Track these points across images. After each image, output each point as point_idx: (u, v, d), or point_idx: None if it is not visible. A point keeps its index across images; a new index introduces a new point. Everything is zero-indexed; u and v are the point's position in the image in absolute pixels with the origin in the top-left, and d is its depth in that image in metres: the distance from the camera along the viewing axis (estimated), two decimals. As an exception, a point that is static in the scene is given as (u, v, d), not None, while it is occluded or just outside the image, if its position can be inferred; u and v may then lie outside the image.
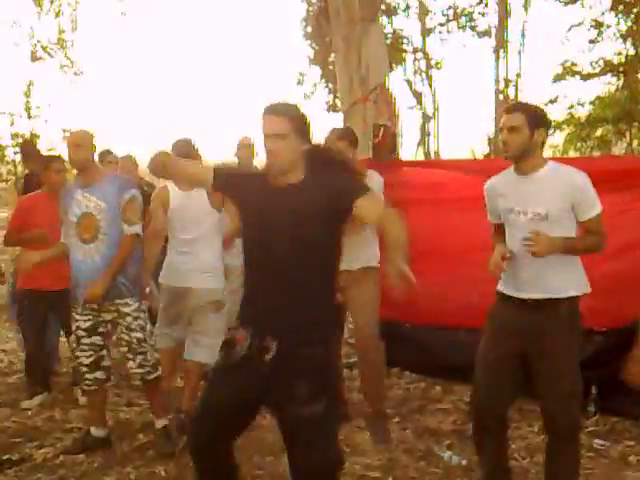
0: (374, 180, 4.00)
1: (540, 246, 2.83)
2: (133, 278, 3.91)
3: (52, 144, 12.33)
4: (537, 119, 2.99)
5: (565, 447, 3.02)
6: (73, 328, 3.97)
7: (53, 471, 3.76)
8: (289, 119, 2.50)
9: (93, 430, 4.06)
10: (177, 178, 3.20)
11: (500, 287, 3.12)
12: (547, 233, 2.86)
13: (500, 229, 3.19)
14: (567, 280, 2.98)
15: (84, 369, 3.95)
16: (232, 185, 2.71)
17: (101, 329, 3.93)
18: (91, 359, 3.92)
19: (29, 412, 4.64)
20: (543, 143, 3.09)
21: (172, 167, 2.77)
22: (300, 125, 2.54)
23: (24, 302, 4.93)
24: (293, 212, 2.48)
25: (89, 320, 3.89)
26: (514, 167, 3.06)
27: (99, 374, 3.95)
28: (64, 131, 12.42)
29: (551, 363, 2.96)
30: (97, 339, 3.92)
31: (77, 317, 3.91)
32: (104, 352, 3.96)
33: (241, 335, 2.57)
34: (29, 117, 12.37)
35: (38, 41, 12.44)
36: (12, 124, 12.15)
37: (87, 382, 3.98)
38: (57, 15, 12.63)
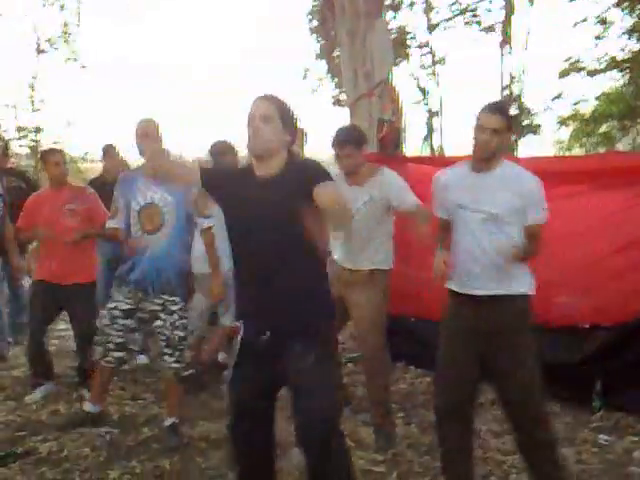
0: (395, 177, 3.93)
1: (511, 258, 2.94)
2: (182, 275, 3.95)
3: (57, 137, 12.33)
4: (510, 122, 3.04)
5: (533, 439, 3.00)
6: (111, 306, 4.00)
7: (57, 465, 3.76)
8: (277, 106, 2.62)
9: (86, 405, 4.18)
10: (166, 178, 3.25)
11: (451, 285, 3.14)
12: (496, 235, 2.94)
13: (447, 226, 3.18)
14: (517, 278, 2.99)
15: (111, 346, 4.00)
16: (218, 182, 2.77)
17: (139, 314, 3.97)
18: (121, 340, 3.99)
19: (34, 406, 4.65)
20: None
21: (160, 168, 2.86)
22: (286, 115, 2.64)
23: (34, 291, 4.95)
24: (273, 202, 2.53)
25: (130, 304, 3.95)
26: (472, 164, 3.05)
27: (123, 355, 4.04)
28: (69, 124, 12.43)
29: (507, 358, 2.97)
30: (132, 323, 3.98)
31: (119, 297, 3.97)
32: (134, 335, 4.02)
33: (236, 328, 2.71)
34: (33, 110, 12.38)
35: (43, 34, 12.45)
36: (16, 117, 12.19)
37: (108, 359, 4.04)
38: (62, 8, 12.63)
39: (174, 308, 3.90)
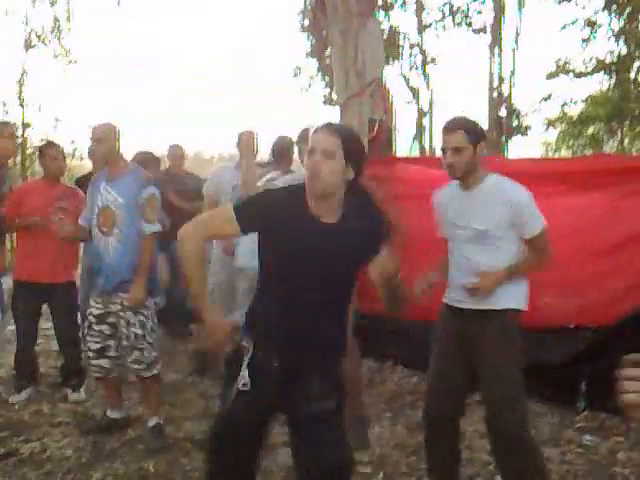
0: None
1: (483, 290, 2.93)
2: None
3: (45, 133, 12.25)
4: (477, 134, 2.96)
5: (510, 451, 2.94)
6: (87, 313, 4.02)
7: (40, 466, 3.73)
8: (341, 140, 2.32)
9: (109, 412, 4.18)
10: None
11: (444, 298, 3.17)
12: (487, 252, 2.93)
13: (446, 245, 3.20)
14: (505, 293, 2.96)
15: (90, 354, 4.01)
16: (262, 222, 2.43)
17: (110, 319, 3.94)
18: (98, 346, 3.96)
19: (16, 406, 4.61)
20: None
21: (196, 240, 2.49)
22: (352, 150, 2.35)
23: (17, 293, 4.88)
24: (330, 252, 2.37)
25: (100, 309, 3.94)
26: (459, 181, 3.04)
27: (104, 362, 3.99)
28: (57, 120, 12.36)
29: (489, 370, 2.97)
30: (105, 328, 3.94)
31: (92, 303, 3.99)
32: (110, 342, 3.97)
33: (243, 346, 2.51)
34: (22, 106, 12.29)
35: (32, 29, 12.32)
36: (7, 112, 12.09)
37: (93, 368, 4.06)
38: (52, 4, 12.53)
39: (129, 305, 3.87)
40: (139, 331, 3.89)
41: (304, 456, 2.48)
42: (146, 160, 4.71)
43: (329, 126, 2.36)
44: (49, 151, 4.82)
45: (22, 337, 4.89)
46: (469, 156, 2.90)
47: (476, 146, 2.93)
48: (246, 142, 5.57)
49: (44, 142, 5.72)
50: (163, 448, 3.88)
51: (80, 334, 4.84)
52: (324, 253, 2.37)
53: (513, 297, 2.99)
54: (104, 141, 3.89)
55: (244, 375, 2.46)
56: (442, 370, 3.11)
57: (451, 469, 3.22)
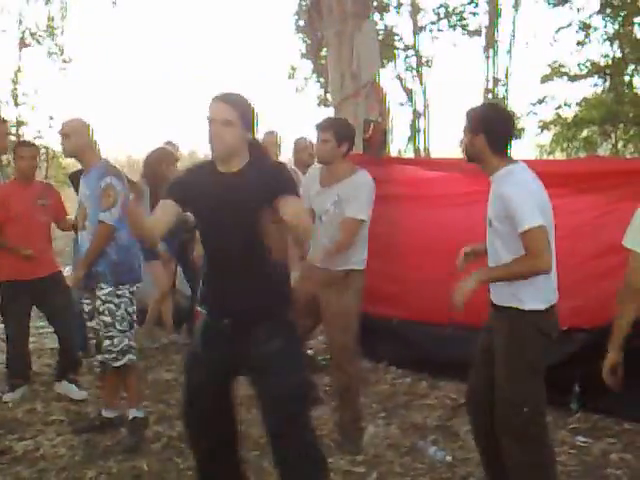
0: (363, 183, 3.84)
1: (458, 295, 2.84)
2: (113, 265, 3.86)
3: (37, 132, 12.23)
4: (479, 122, 2.92)
5: (512, 450, 2.94)
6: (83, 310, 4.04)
7: (33, 464, 3.71)
8: (235, 107, 2.59)
9: (104, 411, 4.16)
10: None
11: None
12: (503, 244, 2.88)
13: None
14: (513, 291, 2.92)
15: (94, 350, 4.03)
16: (182, 190, 2.73)
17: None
18: (95, 341, 3.99)
19: (9, 404, 4.59)
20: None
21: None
22: (246, 115, 2.63)
23: (5, 294, 4.82)
24: (235, 199, 2.58)
25: (89, 305, 3.95)
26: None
27: (100, 357, 3.97)
28: (51, 118, 12.33)
29: (496, 368, 2.97)
30: (95, 324, 3.94)
31: (83, 301, 4.02)
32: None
33: (198, 313, 2.78)
34: (16, 104, 12.26)
35: (27, 28, 12.32)
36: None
37: (95, 363, 4.10)
38: (47, 3, 12.52)
39: (99, 293, 3.85)
40: (108, 319, 3.85)
41: (261, 396, 2.69)
42: (163, 156, 4.69)
43: (223, 97, 2.61)
44: (17, 150, 4.75)
45: (13, 336, 4.86)
46: (470, 141, 2.93)
47: (477, 135, 2.90)
48: (270, 142, 5.68)
49: (20, 140, 5.69)
50: (137, 447, 3.86)
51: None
52: (228, 199, 2.59)
53: (521, 296, 2.90)
54: (72, 136, 3.88)
55: (197, 339, 2.79)
56: (477, 362, 3.14)
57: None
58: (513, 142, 3.11)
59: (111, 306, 3.87)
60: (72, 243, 5.60)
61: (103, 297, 3.86)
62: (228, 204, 2.58)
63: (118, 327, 3.88)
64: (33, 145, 5.01)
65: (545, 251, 2.75)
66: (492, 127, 2.92)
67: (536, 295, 2.92)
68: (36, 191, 4.73)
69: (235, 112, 2.58)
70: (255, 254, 2.60)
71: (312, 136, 4.79)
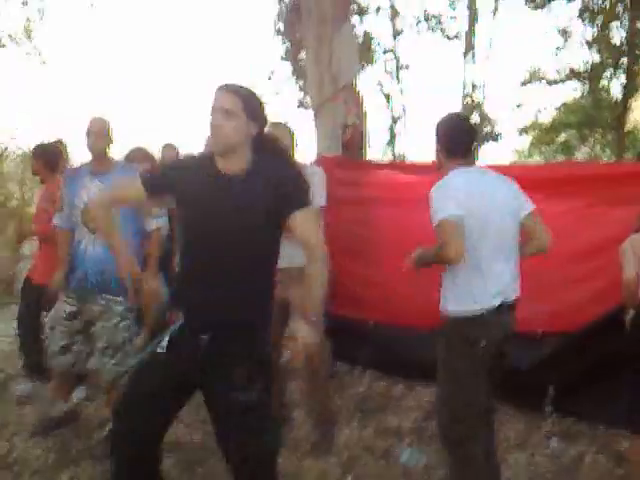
0: (316, 176, 3.91)
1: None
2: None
3: (12, 132, 12.13)
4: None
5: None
6: (53, 312, 3.98)
7: (7, 468, 3.68)
8: (240, 98, 2.43)
9: (58, 405, 4.14)
10: (114, 205, 2.85)
11: None
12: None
13: None
14: (443, 294, 3.00)
15: (55, 349, 3.93)
16: (167, 181, 2.57)
17: (86, 317, 3.89)
18: (64, 342, 3.90)
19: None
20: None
21: (102, 210, 2.74)
22: (251, 107, 2.46)
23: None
24: (235, 205, 2.43)
25: (75, 306, 3.89)
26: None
27: (69, 357, 3.93)
28: (27, 119, 12.25)
29: None
30: (76, 324, 3.89)
31: (65, 300, 3.92)
32: (78, 338, 3.92)
33: (174, 316, 2.55)
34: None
35: (3, 30, 12.21)
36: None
37: (55, 363, 3.98)
38: (23, 4, 12.40)
39: (118, 308, 3.83)
40: (126, 335, 3.87)
41: (228, 444, 2.49)
42: (141, 157, 4.66)
43: (228, 87, 2.45)
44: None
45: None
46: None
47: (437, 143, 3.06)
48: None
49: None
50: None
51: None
52: (230, 205, 2.42)
53: (447, 300, 2.98)
54: (105, 135, 3.89)
55: (164, 339, 2.50)
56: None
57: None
58: (491, 146, 3.17)
59: (128, 322, 3.88)
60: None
61: (122, 313, 3.84)
62: (228, 210, 2.42)
63: (129, 346, 3.89)
64: (37, 147, 5.13)
65: (451, 240, 2.75)
66: (444, 135, 3.08)
67: (459, 300, 2.93)
68: (46, 194, 4.86)
69: (239, 103, 2.41)
70: (248, 265, 2.47)
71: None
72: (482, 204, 2.86)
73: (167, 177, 2.58)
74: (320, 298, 2.53)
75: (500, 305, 2.89)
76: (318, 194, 3.84)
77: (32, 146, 5.34)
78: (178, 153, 6.84)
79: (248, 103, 2.45)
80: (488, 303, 2.88)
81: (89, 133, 3.87)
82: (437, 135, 3.10)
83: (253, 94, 2.50)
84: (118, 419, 2.59)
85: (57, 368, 4.02)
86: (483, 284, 2.87)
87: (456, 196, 2.83)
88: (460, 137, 3.07)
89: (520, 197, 3.06)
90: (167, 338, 2.50)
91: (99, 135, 3.86)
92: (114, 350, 3.84)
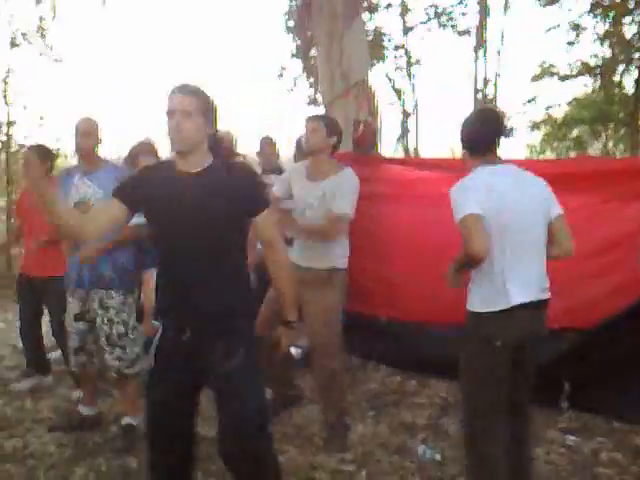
0: (348, 180, 3.84)
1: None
2: (122, 270, 3.86)
3: (28, 132, 12.16)
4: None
5: None
6: (66, 314, 3.99)
7: (22, 462, 3.70)
8: (196, 99, 2.51)
9: (81, 408, 4.17)
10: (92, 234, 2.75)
11: None
12: None
13: None
14: (469, 292, 2.99)
15: (72, 351, 3.98)
16: (133, 190, 2.62)
17: (88, 316, 3.91)
18: (79, 344, 3.94)
19: (-1, 401, 4.59)
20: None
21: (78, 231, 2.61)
22: (207, 107, 2.56)
23: (17, 286, 5.04)
24: (198, 201, 2.50)
25: (77, 307, 3.91)
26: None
27: (82, 358, 3.97)
28: (41, 118, 12.28)
29: None
30: (82, 325, 3.91)
31: (70, 301, 3.95)
32: (89, 338, 3.94)
33: (156, 327, 2.65)
34: (6, 104, 12.19)
35: (17, 28, 12.25)
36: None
37: (73, 364, 4.04)
38: (37, 2, 12.45)
39: (110, 302, 3.84)
40: (122, 328, 3.86)
41: (219, 415, 2.58)
42: (146, 151, 4.66)
43: (184, 88, 2.52)
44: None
45: (21, 326, 5.05)
46: None
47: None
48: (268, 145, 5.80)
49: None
50: (127, 449, 3.83)
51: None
52: (189, 202, 2.49)
53: (469, 295, 2.99)
54: (92, 135, 3.90)
55: (155, 356, 2.64)
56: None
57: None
58: (503, 141, 3.11)
59: (124, 315, 3.88)
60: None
61: (116, 306, 3.85)
62: (190, 206, 2.48)
63: (130, 336, 3.90)
64: (39, 147, 5.08)
65: (474, 235, 2.73)
66: (465, 133, 3.06)
67: (478, 298, 2.92)
68: None
69: (195, 103, 2.50)
70: (218, 260, 2.54)
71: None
72: (502, 203, 2.82)
73: (137, 189, 2.62)
74: (295, 296, 2.74)
75: (523, 305, 2.86)
76: (348, 202, 3.80)
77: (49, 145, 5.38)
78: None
79: (204, 104, 2.55)
80: (506, 302, 2.85)
81: (76, 133, 3.90)
82: (461, 133, 3.07)
83: (207, 95, 2.59)
84: (150, 443, 2.70)
85: (73, 369, 4.09)
86: (502, 283, 2.85)
87: (476, 195, 2.81)
88: (480, 134, 3.01)
89: (550, 198, 3.01)
90: (154, 350, 2.63)
91: (86, 135, 3.88)
92: (112, 345, 3.86)
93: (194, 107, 2.49)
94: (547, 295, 2.99)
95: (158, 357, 2.64)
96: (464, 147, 3.05)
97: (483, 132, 3.02)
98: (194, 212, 2.49)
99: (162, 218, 2.58)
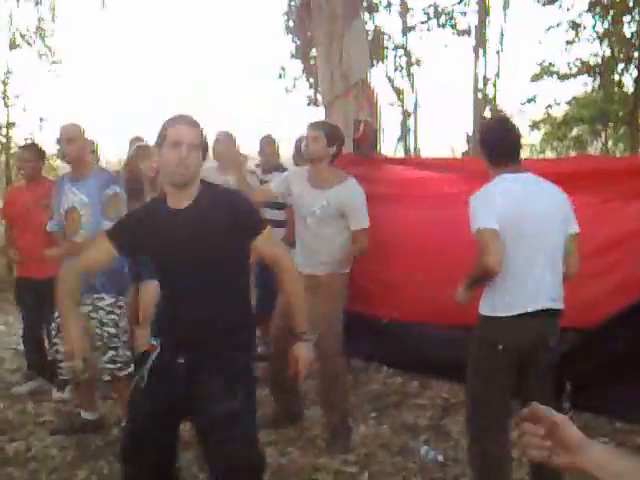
0: (356, 195, 3.91)
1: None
2: (111, 274, 3.84)
3: (29, 133, 12.16)
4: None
5: None
6: (55, 315, 3.95)
7: (24, 465, 3.71)
8: (199, 131, 2.50)
9: (83, 413, 4.16)
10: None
11: None
12: None
13: None
14: (482, 295, 3.00)
15: (59, 357, 3.94)
16: (127, 236, 2.61)
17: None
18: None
19: (0, 405, 4.58)
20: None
21: (70, 280, 2.67)
22: (204, 139, 2.58)
23: (16, 289, 5.05)
24: (191, 234, 2.48)
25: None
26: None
27: (106, 366, 3.93)
28: (41, 120, 12.29)
29: None
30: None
31: None
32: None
33: (152, 345, 2.62)
34: (6, 105, 12.20)
35: (17, 29, 12.25)
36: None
37: (60, 371, 4.00)
38: (37, 4, 12.45)
39: (100, 304, 3.84)
40: (112, 330, 3.86)
41: (210, 459, 2.53)
42: (143, 155, 4.68)
43: (188, 119, 2.50)
44: (21, 153, 4.96)
45: (23, 330, 5.05)
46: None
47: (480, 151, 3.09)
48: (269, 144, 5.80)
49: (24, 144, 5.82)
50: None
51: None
52: (181, 236, 2.48)
53: (482, 298, 3.01)
54: (76, 141, 3.87)
55: (143, 373, 2.57)
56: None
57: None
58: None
59: (115, 317, 3.88)
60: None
61: (107, 308, 3.85)
62: (186, 243, 2.47)
63: (122, 338, 3.90)
64: (29, 147, 5.07)
65: (490, 247, 2.75)
66: (483, 142, 3.08)
67: (487, 302, 2.96)
68: (40, 191, 4.74)
69: (200, 136, 2.49)
70: (214, 288, 2.50)
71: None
72: (517, 213, 2.84)
73: (132, 235, 2.61)
74: (306, 312, 2.68)
75: (530, 313, 2.86)
76: (362, 215, 3.91)
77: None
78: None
79: (203, 136, 2.54)
80: (513, 309, 2.87)
81: (61, 139, 3.89)
82: (480, 142, 3.09)
83: (201, 125, 2.55)
84: (123, 459, 2.63)
85: (64, 376, 4.07)
86: (514, 290, 2.86)
87: (494, 207, 2.83)
88: (499, 144, 3.02)
89: (569, 213, 3.03)
90: (147, 370, 2.57)
91: (70, 141, 3.86)
92: (104, 347, 3.86)
93: (199, 140, 2.48)
94: (559, 305, 2.99)
95: (150, 375, 2.56)
96: (484, 156, 3.05)
97: (502, 143, 3.03)
98: (193, 249, 2.47)
99: (161, 257, 2.60)
